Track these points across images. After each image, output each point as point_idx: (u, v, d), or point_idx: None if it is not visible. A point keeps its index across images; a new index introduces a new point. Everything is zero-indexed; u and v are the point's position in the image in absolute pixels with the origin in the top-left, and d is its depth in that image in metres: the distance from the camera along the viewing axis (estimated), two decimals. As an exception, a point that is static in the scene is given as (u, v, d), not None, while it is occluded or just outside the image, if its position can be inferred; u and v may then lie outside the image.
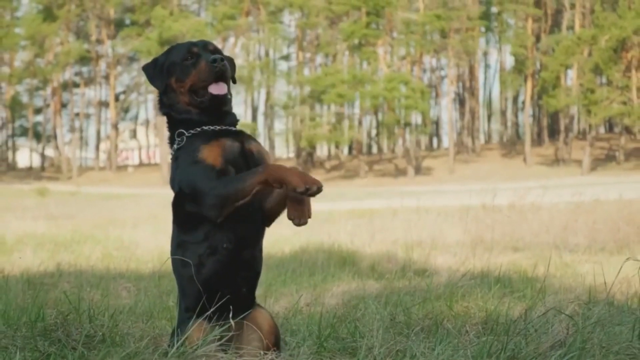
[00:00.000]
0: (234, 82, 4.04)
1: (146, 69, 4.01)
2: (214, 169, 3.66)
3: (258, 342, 3.75)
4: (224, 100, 3.85)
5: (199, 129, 3.81)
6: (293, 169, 3.58)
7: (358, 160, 74.10)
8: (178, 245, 3.79)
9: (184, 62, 3.84)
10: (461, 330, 4.55)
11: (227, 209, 3.60)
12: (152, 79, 3.97)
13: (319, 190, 3.50)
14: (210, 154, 3.70)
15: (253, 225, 3.78)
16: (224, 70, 3.79)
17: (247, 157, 3.77)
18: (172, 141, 3.91)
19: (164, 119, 3.99)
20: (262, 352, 3.70)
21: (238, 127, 3.96)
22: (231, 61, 4.05)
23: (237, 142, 3.79)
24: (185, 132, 3.84)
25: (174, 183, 3.82)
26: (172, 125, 3.92)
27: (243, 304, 3.78)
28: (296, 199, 3.57)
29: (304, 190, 3.46)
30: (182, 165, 3.77)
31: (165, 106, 3.94)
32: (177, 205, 3.82)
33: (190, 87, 3.82)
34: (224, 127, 3.83)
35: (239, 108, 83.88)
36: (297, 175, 3.51)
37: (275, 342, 3.82)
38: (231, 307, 3.71)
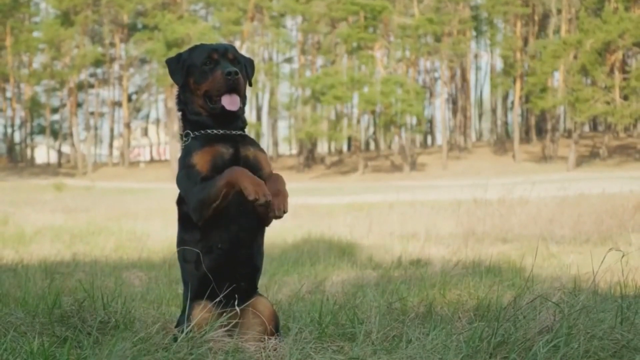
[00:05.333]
0: (250, 85, 4.04)
1: (169, 62, 4.01)
2: (199, 174, 3.68)
3: (260, 327, 3.77)
4: (235, 114, 3.85)
5: (202, 132, 3.82)
6: (252, 178, 3.56)
7: (356, 156, 74.05)
8: (179, 242, 3.85)
9: (202, 67, 3.83)
10: (454, 316, 4.55)
11: (205, 212, 3.63)
12: (173, 73, 3.96)
13: (267, 203, 3.51)
14: (201, 160, 3.72)
15: (247, 226, 3.77)
16: (236, 84, 3.78)
17: (239, 162, 3.74)
18: (182, 138, 3.93)
19: (175, 118, 4.01)
20: (265, 337, 3.72)
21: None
22: (250, 63, 4.07)
23: (232, 149, 3.79)
24: (191, 133, 3.85)
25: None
26: (184, 123, 3.93)
27: (243, 295, 3.80)
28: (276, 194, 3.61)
29: (253, 199, 3.48)
30: (179, 167, 3.82)
31: (182, 103, 3.94)
32: (179, 203, 3.86)
33: (205, 93, 3.82)
34: (226, 132, 3.83)
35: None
36: (253, 185, 3.51)
37: (276, 327, 3.84)
38: (232, 296, 3.73)
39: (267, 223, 3.84)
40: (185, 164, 3.75)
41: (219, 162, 3.71)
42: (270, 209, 3.57)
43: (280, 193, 3.62)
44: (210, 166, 3.69)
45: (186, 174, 3.72)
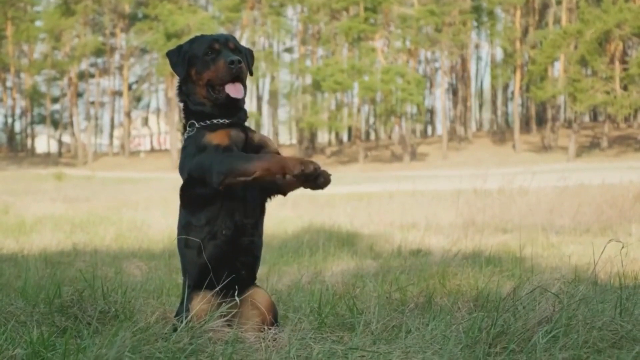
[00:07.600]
0: (251, 74, 4.02)
1: (170, 54, 3.99)
2: (219, 146, 3.67)
3: (258, 317, 3.78)
4: (238, 104, 3.84)
5: (208, 122, 3.81)
6: (294, 157, 3.57)
7: (357, 146, 74.01)
8: (184, 226, 3.82)
9: (204, 57, 3.82)
10: (453, 306, 4.55)
11: (229, 179, 3.57)
12: (174, 65, 3.95)
13: (316, 170, 3.48)
14: (216, 137, 3.71)
15: (251, 213, 3.78)
16: (240, 72, 3.78)
17: (250, 146, 3.77)
18: (185, 129, 3.91)
19: (175, 108, 4.00)
20: (265, 327, 3.72)
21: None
22: (250, 53, 4.06)
23: (242, 133, 3.80)
24: (196, 123, 3.84)
25: (182, 170, 3.82)
26: (187, 114, 3.92)
27: (242, 285, 3.80)
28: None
29: (299, 171, 3.45)
30: (190, 153, 3.77)
31: (183, 94, 3.93)
32: (185, 189, 3.83)
33: (208, 82, 3.81)
34: (232, 121, 3.82)
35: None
36: (296, 159, 3.50)
37: (274, 318, 3.85)
38: (231, 286, 3.73)
39: (287, 192, 3.84)
40: (200, 147, 3.71)
41: (235, 140, 3.73)
42: (320, 175, 3.54)
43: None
44: (230, 141, 3.70)
45: (207, 152, 3.68)
